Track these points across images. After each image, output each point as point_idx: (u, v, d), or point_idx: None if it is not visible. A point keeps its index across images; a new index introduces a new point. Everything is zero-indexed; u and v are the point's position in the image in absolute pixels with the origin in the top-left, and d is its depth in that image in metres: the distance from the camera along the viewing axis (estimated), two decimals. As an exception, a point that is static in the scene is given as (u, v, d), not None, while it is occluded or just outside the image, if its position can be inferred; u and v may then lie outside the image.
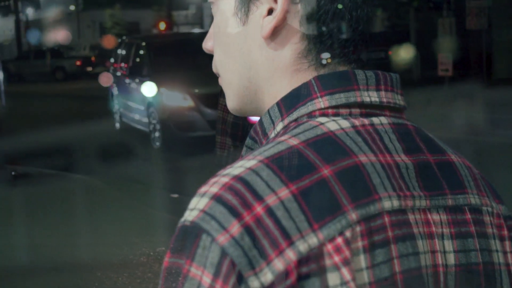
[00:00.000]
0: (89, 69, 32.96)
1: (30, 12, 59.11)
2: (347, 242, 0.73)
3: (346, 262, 0.73)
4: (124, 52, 13.67)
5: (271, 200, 0.73)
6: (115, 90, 13.78)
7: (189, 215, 0.75)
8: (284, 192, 0.73)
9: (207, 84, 9.90)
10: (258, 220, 0.72)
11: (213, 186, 0.75)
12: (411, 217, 0.78)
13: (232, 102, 0.91)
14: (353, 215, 0.74)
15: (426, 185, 0.81)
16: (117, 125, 13.79)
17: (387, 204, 0.76)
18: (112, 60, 14.63)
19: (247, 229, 0.72)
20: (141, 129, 12.15)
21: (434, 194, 0.81)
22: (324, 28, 0.83)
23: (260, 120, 0.86)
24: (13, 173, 7.96)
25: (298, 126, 0.80)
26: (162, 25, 35.48)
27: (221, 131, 2.99)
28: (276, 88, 0.85)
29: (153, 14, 53.90)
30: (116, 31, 47.72)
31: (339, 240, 0.73)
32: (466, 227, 0.82)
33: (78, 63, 32.03)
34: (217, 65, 0.92)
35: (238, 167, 0.76)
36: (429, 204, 0.80)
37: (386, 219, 0.76)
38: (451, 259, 0.80)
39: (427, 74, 18.28)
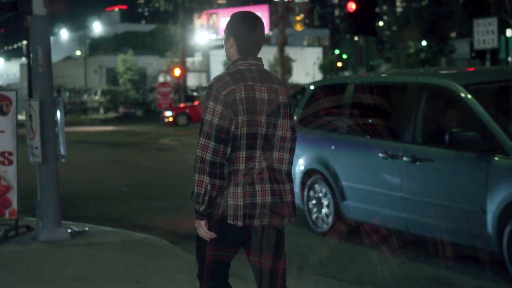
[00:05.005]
0: None
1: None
2: None
3: None
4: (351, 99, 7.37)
5: None
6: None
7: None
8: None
9: None
10: None
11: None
12: None
13: None
14: None
15: None
16: (324, 227, 7.38)
17: None
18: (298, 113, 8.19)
19: None
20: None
21: None
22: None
23: None
24: (69, 230, 7.45)
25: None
26: (177, 71, 38.72)
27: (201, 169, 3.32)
28: None
29: (159, 61, 55.65)
30: (129, 76, 49.53)
31: None
32: None
33: None
34: None
35: None
36: None
37: None
38: None
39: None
